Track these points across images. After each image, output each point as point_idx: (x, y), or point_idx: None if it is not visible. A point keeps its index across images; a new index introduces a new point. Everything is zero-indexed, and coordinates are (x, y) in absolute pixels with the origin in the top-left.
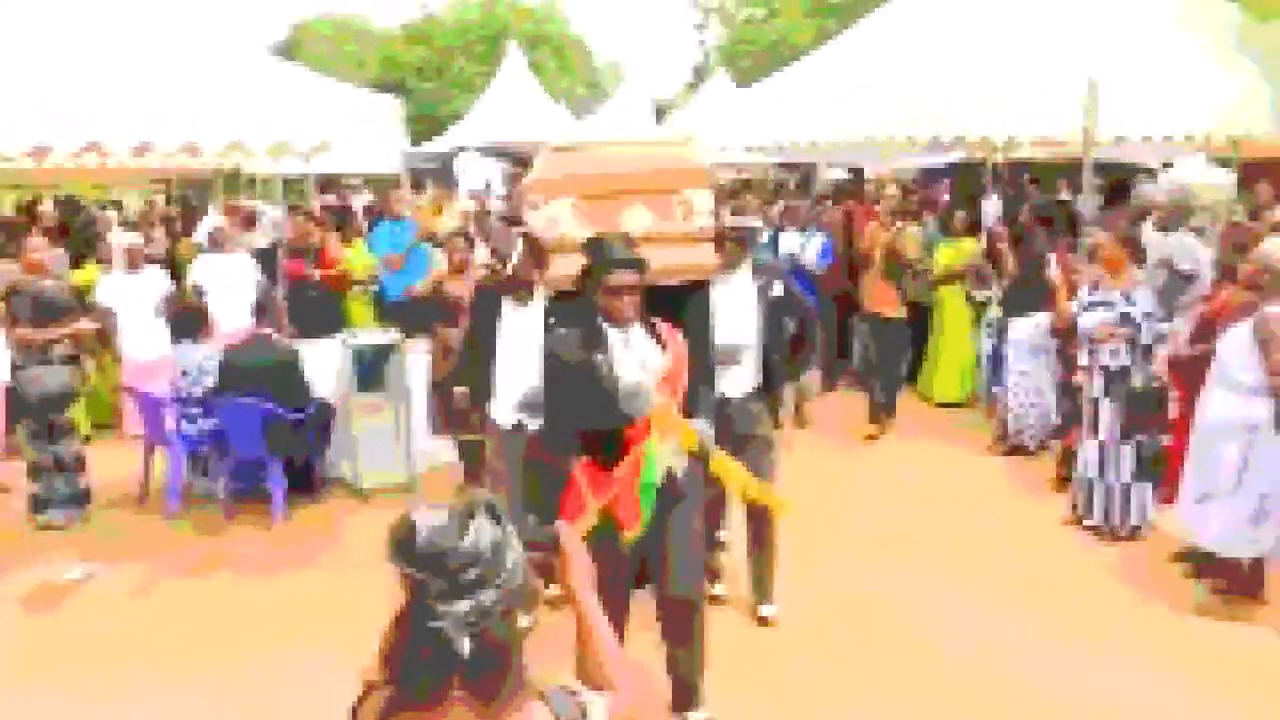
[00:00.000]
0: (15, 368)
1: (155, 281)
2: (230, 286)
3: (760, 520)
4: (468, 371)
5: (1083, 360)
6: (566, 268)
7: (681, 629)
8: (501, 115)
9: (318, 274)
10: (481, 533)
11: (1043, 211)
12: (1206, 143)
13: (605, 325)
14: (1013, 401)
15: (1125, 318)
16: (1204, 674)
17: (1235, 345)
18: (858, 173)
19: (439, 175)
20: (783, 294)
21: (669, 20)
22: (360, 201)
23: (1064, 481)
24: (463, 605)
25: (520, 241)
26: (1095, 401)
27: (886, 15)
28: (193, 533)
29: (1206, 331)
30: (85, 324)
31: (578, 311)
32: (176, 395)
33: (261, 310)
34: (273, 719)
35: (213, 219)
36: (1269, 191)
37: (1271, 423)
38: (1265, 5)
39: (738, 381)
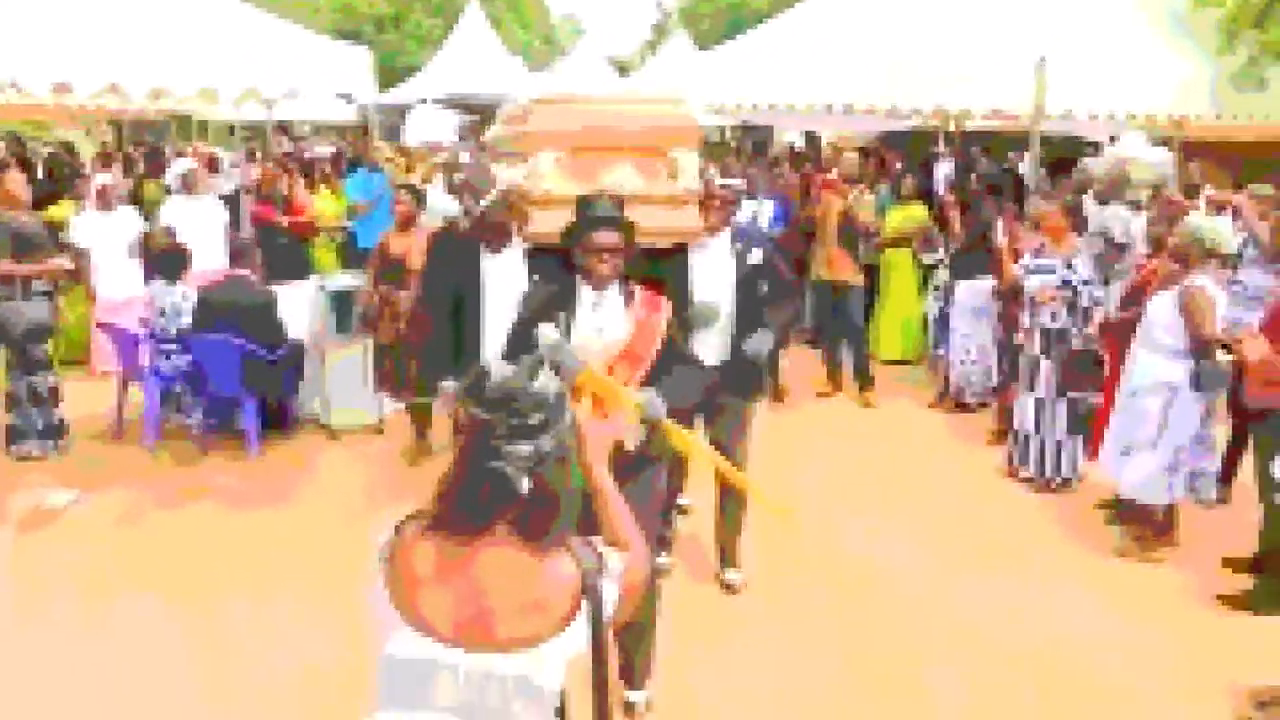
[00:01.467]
0: None
1: (128, 221)
2: (200, 229)
3: (727, 488)
4: (436, 338)
5: (1025, 321)
6: (547, 223)
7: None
8: (460, 68)
9: (285, 220)
10: (548, 382)
11: (991, 180)
12: (1149, 121)
13: (581, 284)
14: (956, 360)
15: (1065, 283)
16: (1124, 604)
17: (1160, 311)
18: (813, 137)
19: (389, 127)
20: (761, 262)
21: None
22: (323, 149)
23: (1002, 435)
24: (525, 447)
25: (496, 184)
26: (1035, 360)
27: None
28: (170, 464)
29: (1135, 298)
30: (61, 260)
31: (557, 268)
32: (152, 333)
33: (238, 253)
34: (254, 642)
35: (185, 162)
36: (1200, 170)
37: (1189, 383)
38: None
39: (712, 350)
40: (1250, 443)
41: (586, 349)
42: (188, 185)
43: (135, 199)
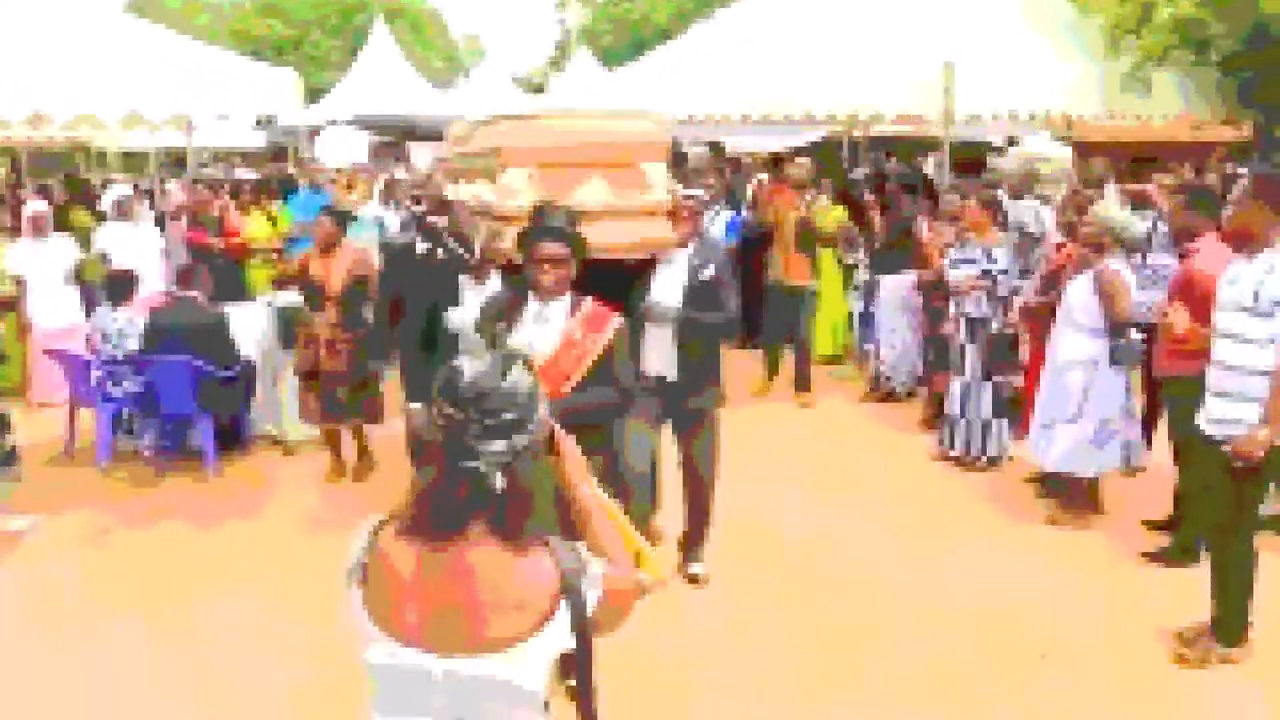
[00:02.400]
0: None
1: (62, 249)
2: (136, 254)
3: (697, 484)
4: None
5: (951, 310)
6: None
7: None
8: (368, 89)
9: (220, 243)
10: (520, 379)
11: (905, 180)
12: (1047, 121)
13: (530, 295)
14: (884, 352)
15: (985, 272)
16: (1058, 566)
17: (1078, 294)
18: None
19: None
20: (710, 279)
21: None
22: (242, 174)
23: (930, 421)
24: (498, 444)
25: (481, 225)
26: (960, 347)
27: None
28: (126, 487)
29: (1052, 283)
30: (5, 289)
31: (524, 282)
32: (100, 358)
33: (187, 275)
34: (230, 653)
35: (120, 188)
36: (1104, 164)
37: (1108, 358)
38: (1085, 2)
39: (670, 362)
40: (1163, 413)
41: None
42: (123, 211)
43: (60, 226)
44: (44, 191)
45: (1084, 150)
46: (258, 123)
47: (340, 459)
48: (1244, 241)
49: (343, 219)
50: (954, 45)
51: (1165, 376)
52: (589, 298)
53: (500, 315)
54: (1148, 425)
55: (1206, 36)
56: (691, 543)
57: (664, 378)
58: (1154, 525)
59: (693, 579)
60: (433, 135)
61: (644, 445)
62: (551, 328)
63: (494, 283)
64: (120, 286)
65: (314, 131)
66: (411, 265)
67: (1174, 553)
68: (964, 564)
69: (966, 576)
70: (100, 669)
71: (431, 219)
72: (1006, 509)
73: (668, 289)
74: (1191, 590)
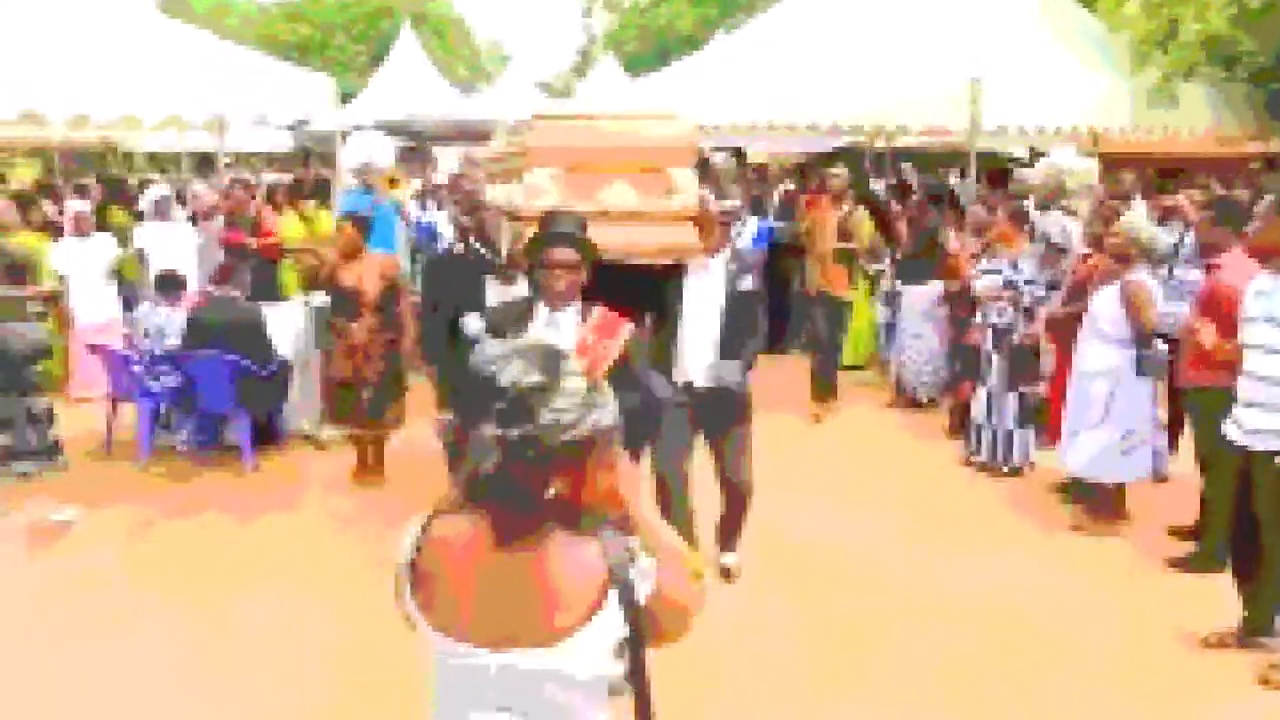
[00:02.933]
0: None
1: (104, 247)
2: (173, 253)
3: (733, 483)
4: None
5: (978, 319)
6: None
7: None
8: (395, 94)
9: (255, 243)
10: (578, 378)
11: (932, 191)
12: (1074, 135)
13: (540, 302)
14: (909, 361)
15: (1009, 283)
16: (1081, 571)
17: (1104, 305)
18: (740, 153)
19: (321, 154)
20: (751, 289)
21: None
22: (269, 177)
23: (955, 429)
24: (559, 436)
25: (507, 226)
26: (986, 355)
27: (782, 13)
28: (165, 480)
29: (1077, 294)
30: (52, 284)
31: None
32: (141, 353)
33: (224, 273)
34: (258, 646)
35: (158, 189)
36: (1132, 179)
37: (1133, 368)
38: (1113, 18)
39: (700, 371)
40: (1186, 422)
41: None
42: (161, 211)
43: (98, 226)
44: (82, 191)
45: (1110, 164)
46: (289, 126)
47: (367, 464)
48: (1271, 255)
49: (365, 225)
50: (981, 58)
51: (1190, 387)
52: (598, 305)
53: (511, 321)
54: (1173, 433)
55: (1235, 53)
56: (727, 533)
57: (691, 384)
58: (1179, 532)
59: (725, 571)
60: (458, 139)
61: (679, 452)
62: (562, 334)
63: (520, 285)
64: (170, 285)
65: (345, 135)
66: (448, 269)
67: (1198, 559)
68: (986, 568)
69: (991, 577)
70: (135, 659)
71: (462, 220)
72: (1031, 515)
73: (704, 304)
74: (1214, 596)
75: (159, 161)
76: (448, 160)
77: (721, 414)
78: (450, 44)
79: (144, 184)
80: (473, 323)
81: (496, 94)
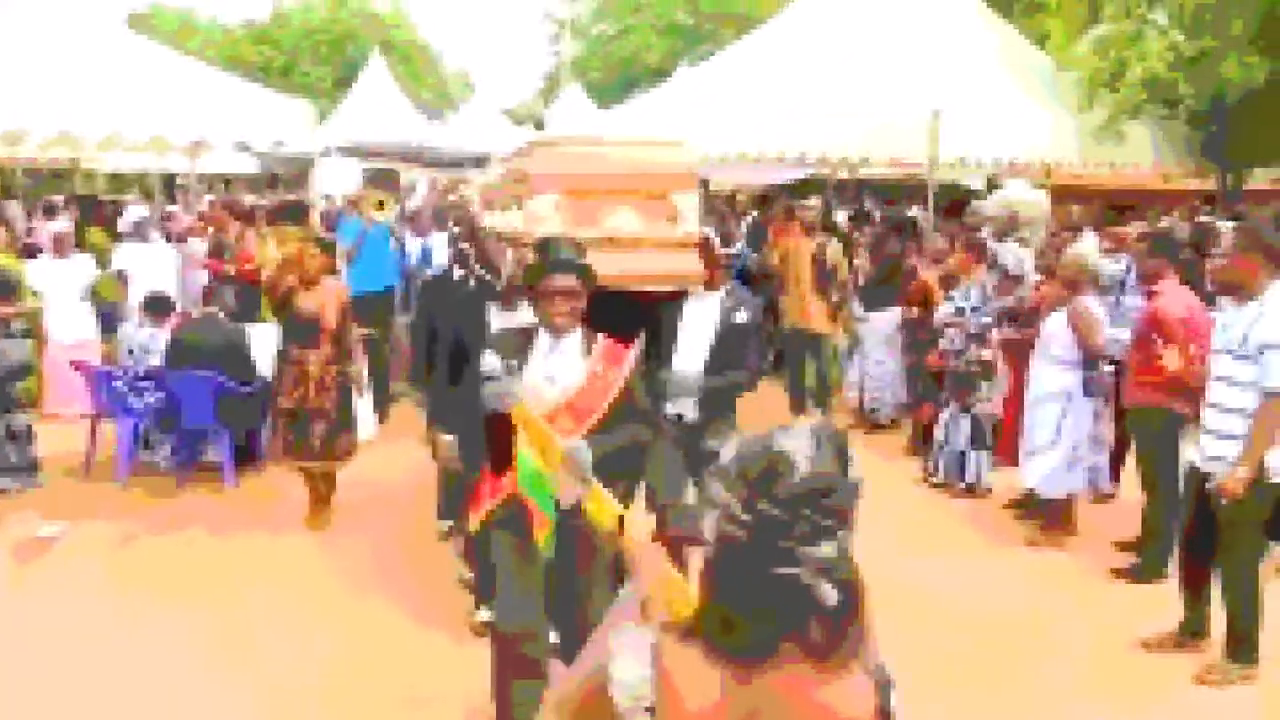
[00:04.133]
0: None
1: (82, 267)
2: (153, 273)
3: None
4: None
5: (941, 344)
6: None
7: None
8: (363, 119)
9: (233, 269)
10: (855, 462)
11: (894, 221)
12: (1026, 168)
13: (541, 329)
14: (870, 384)
15: (959, 310)
16: (1035, 580)
17: (1054, 329)
18: (704, 184)
19: (290, 177)
20: (745, 323)
21: (516, 30)
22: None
23: (915, 448)
24: (826, 548)
25: (509, 252)
26: (946, 378)
27: (748, 46)
28: (146, 497)
29: (1029, 319)
30: (35, 303)
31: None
32: (124, 371)
33: (208, 293)
34: (240, 656)
35: (137, 209)
36: (1080, 211)
37: (1081, 389)
38: (1064, 57)
39: (692, 403)
40: (1132, 442)
41: (537, 396)
42: (141, 232)
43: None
44: (51, 211)
45: (1060, 196)
46: (255, 150)
47: (320, 496)
48: (1235, 289)
49: (332, 249)
50: (940, 94)
51: (1133, 407)
52: (601, 334)
53: (514, 350)
54: (1119, 451)
55: (1176, 95)
56: None
57: (681, 416)
58: (1124, 545)
59: None
60: (427, 164)
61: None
62: (566, 362)
63: (522, 311)
64: (159, 306)
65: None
66: (446, 293)
67: (1140, 569)
68: (949, 575)
69: (951, 586)
70: (117, 673)
71: (462, 246)
72: (987, 529)
73: (698, 332)
74: (1156, 602)
75: (121, 182)
76: (419, 184)
77: (703, 446)
78: (417, 70)
79: (118, 204)
80: (491, 361)
81: (462, 120)
